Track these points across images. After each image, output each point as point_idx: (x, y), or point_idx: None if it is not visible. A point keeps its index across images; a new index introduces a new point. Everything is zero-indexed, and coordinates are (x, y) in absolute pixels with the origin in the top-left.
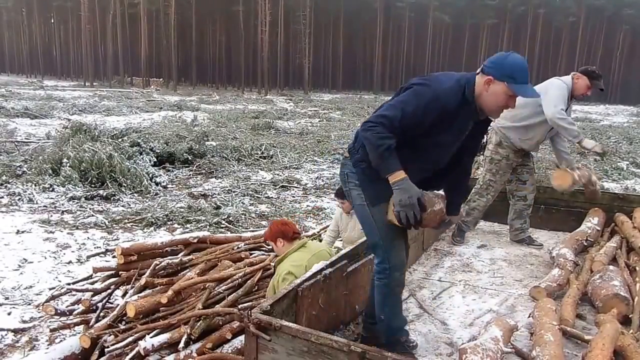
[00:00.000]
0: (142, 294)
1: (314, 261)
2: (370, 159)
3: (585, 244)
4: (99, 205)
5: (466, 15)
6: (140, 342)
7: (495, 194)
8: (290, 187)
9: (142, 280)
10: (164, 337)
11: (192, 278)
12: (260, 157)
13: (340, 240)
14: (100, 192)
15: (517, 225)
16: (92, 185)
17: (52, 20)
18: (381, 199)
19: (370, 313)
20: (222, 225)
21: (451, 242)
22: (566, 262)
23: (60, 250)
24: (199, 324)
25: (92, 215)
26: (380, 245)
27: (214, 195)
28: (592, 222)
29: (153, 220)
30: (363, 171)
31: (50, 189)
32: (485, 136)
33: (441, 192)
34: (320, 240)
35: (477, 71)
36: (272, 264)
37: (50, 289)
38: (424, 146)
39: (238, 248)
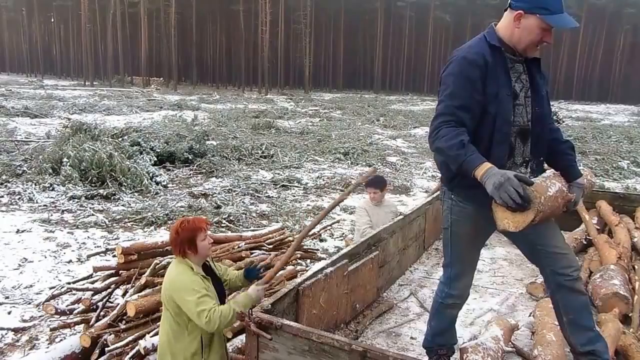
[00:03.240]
0: (143, 293)
1: None
2: (452, 168)
3: (585, 242)
4: (99, 204)
5: (467, 15)
6: (140, 341)
7: None
8: (290, 186)
9: (143, 280)
10: None
11: None
12: (261, 156)
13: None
14: (101, 191)
15: None
16: (93, 185)
17: (52, 20)
18: (462, 224)
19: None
20: (222, 225)
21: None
22: None
23: (61, 250)
24: None
25: (93, 215)
26: (448, 269)
27: (215, 195)
28: (592, 222)
29: (153, 219)
30: (452, 192)
31: (51, 188)
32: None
33: (549, 172)
34: (321, 240)
35: (505, 8)
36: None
37: (50, 288)
38: (493, 119)
39: (239, 247)
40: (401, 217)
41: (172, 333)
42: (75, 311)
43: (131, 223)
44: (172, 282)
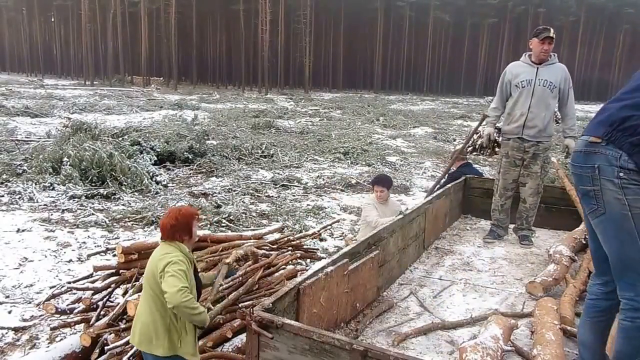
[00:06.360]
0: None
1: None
2: None
3: (584, 242)
4: (99, 204)
5: (466, 15)
6: None
7: (502, 192)
8: (290, 186)
9: (143, 279)
10: None
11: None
12: (261, 156)
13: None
14: (101, 190)
15: (517, 224)
16: (93, 184)
17: (53, 19)
18: None
19: None
20: (222, 224)
21: (483, 244)
22: (562, 257)
23: (61, 249)
24: None
25: (93, 214)
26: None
27: (215, 194)
28: None
29: (154, 219)
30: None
31: (51, 187)
32: None
33: None
34: (321, 240)
35: None
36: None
37: (50, 288)
38: None
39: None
40: (401, 216)
41: (159, 313)
42: (76, 310)
43: (131, 222)
44: (163, 257)
